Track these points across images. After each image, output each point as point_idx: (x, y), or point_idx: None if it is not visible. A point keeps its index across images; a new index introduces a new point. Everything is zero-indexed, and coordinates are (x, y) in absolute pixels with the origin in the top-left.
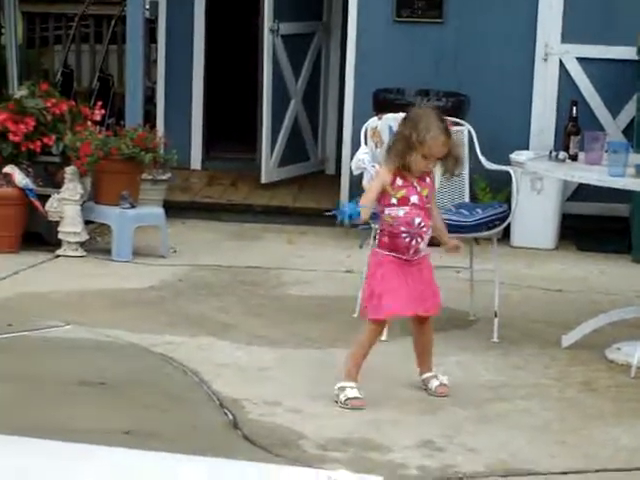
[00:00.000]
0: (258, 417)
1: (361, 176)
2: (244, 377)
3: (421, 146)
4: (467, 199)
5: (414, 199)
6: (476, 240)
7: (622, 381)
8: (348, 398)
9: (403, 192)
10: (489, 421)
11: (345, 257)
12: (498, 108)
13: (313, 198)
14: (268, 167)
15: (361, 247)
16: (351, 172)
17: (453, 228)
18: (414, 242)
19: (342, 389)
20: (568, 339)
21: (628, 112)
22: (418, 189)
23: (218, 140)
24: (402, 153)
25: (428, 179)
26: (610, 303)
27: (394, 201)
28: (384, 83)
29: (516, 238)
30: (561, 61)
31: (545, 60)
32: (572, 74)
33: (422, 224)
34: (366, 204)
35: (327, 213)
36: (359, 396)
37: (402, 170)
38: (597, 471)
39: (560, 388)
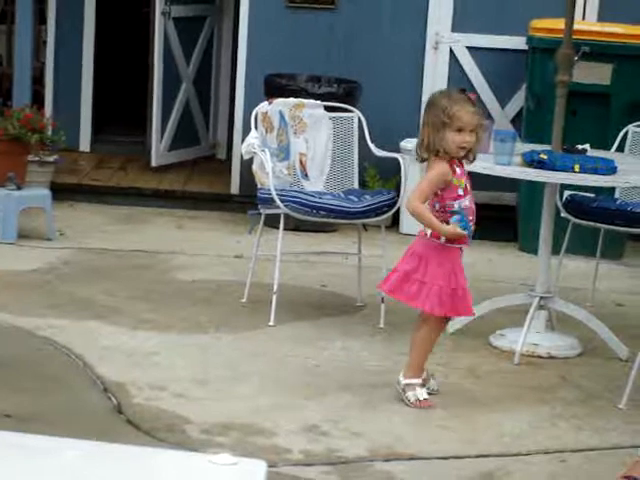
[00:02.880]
0: (143, 401)
1: (251, 161)
2: (129, 361)
3: (451, 120)
4: (356, 185)
5: (468, 186)
6: (364, 226)
7: (506, 367)
8: (418, 399)
9: (463, 180)
10: (374, 406)
11: (234, 242)
12: (389, 96)
13: (203, 182)
14: (158, 151)
15: (250, 233)
16: (242, 157)
17: (341, 214)
18: (473, 229)
19: (411, 387)
20: (453, 325)
21: (517, 102)
22: (466, 177)
23: (108, 123)
24: (436, 137)
25: (464, 166)
26: (496, 290)
27: (460, 192)
28: (276, 68)
29: (405, 225)
30: (451, 50)
31: (435, 49)
32: (462, 63)
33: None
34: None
35: (250, 212)
36: (427, 397)
37: (446, 156)
38: (477, 456)
39: (444, 374)
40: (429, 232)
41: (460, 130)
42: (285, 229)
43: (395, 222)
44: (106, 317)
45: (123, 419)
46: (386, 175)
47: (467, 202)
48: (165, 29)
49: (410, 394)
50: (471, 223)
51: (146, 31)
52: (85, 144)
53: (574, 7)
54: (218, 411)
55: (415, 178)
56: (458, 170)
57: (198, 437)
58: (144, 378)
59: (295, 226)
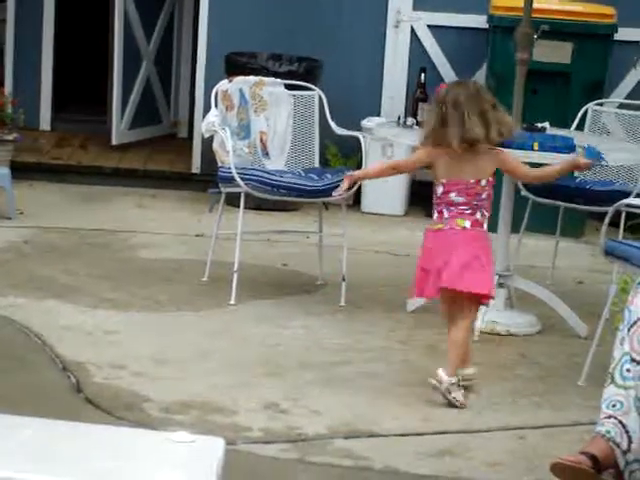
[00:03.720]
0: (102, 380)
1: (212, 139)
2: (89, 340)
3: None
4: (317, 164)
5: None
6: (325, 205)
7: None
8: (457, 400)
9: None
10: (334, 384)
11: (195, 221)
12: (351, 74)
13: (164, 161)
14: (119, 129)
15: (210, 211)
16: (203, 135)
17: (302, 192)
18: None
19: (454, 388)
20: (413, 303)
21: (478, 80)
22: None
23: (68, 101)
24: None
25: None
26: None
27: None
28: (237, 46)
29: (366, 204)
30: (412, 28)
31: (397, 27)
32: (423, 41)
33: None
34: None
35: (211, 191)
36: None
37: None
38: (436, 433)
39: (405, 351)
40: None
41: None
42: (247, 208)
43: (357, 201)
44: (66, 296)
45: (82, 398)
46: (347, 153)
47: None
48: (125, 8)
49: (458, 394)
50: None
51: (107, 10)
52: (45, 123)
53: None
54: (178, 389)
55: (377, 156)
56: None
57: (157, 415)
58: (104, 357)
59: (257, 205)
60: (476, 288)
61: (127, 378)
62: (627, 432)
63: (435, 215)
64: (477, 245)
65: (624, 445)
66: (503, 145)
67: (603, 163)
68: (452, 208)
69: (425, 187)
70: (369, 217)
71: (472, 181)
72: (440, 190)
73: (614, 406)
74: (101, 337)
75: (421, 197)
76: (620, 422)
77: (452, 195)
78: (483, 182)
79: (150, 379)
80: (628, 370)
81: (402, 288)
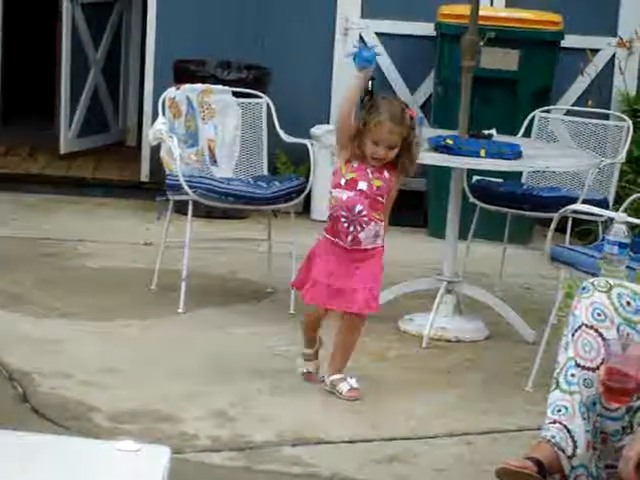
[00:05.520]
0: (48, 390)
1: (159, 147)
2: (35, 350)
3: (367, 130)
4: (265, 172)
5: (362, 185)
6: (274, 213)
7: (414, 351)
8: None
9: (353, 175)
10: (283, 392)
11: (144, 230)
12: (300, 82)
13: (113, 169)
14: (67, 138)
15: (158, 219)
16: (150, 143)
17: (250, 200)
18: (351, 228)
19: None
20: None
21: (426, 87)
22: (370, 177)
23: (15, 110)
24: (355, 135)
25: (387, 173)
26: (405, 276)
27: (342, 182)
28: (186, 54)
29: (316, 212)
30: (361, 36)
31: (345, 35)
32: None
33: (363, 213)
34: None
35: (158, 198)
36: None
37: (358, 154)
38: (384, 439)
39: (353, 358)
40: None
41: (376, 144)
42: (197, 216)
43: (306, 209)
44: (12, 305)
45: (28, 407)
46: (297, 161)
47: (344, 196)
48: (73, 15)
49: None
50: (344, 216)
51: (54, 18)
52: None
53: None
54: (125, 399)
55: (327, 164)
56: (355, 164)
57: (104, 425)
58: (50, 366)
59: (207, 213)
60: None
61: (74, 387)
62: (572, 437)
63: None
64: None
65: (569, 450)
66: (451, 151)
67: (547, 169)
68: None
69: None
70: (319, 224)
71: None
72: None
73: (559, 411)
74: (48, 346)
75: None
76: (565, 427)
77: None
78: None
79: (97, 388)
80: (573, 375)
81: None
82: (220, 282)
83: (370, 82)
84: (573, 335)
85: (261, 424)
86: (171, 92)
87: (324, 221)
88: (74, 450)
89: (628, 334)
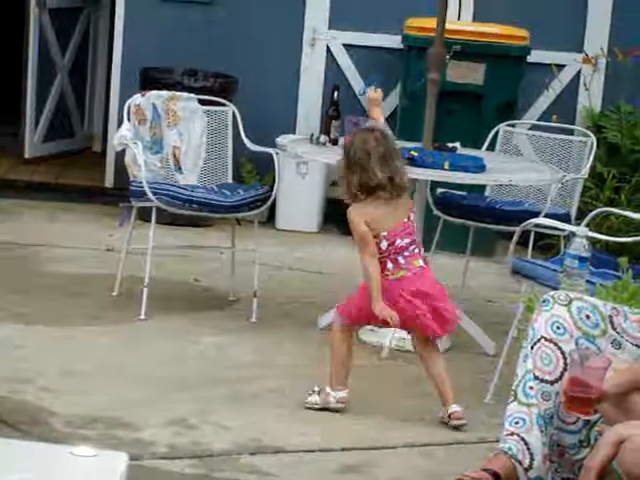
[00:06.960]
0: (7, 394)
1: (124, 152)
2: None
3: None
4: (230, 180)
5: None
6: (238, 221)
7: (374, 362)
8: (317, 403)
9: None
10: (242, 400)
11: (107, 236)
12: (266, 91)
13: (77, 175)
14: (32, 142)
15: (121, 225)
16: (115, 149)
17: (214, 208)
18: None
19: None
20: (324, 320)
21: (392, 99)
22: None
23: None
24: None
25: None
26: None
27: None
28: (153, 61)
29: (280, 221)
30: (328, 47)
31: (312, 45)
32: (338, 60)
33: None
34: None
35: (122, 204)
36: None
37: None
38: (343, 449)
39: (314, 368)
40: None
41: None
42: (161, 223)
43: (271, 217)
44: None
45: None
46: (263, 170)
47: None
48: (40, 20)
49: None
50: None
51: (22, 22)
52: None
53: (446, 6)
54: (84, 404)
55: (292, 174)
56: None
57: (62, 430)
58: (9, 371)
59: (171, 220)
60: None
61: (33, 392)
62: (529, 449)
63: (390, 265)
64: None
65: (526, 462)
66: (415, 163)
67: (510, 183)
68: (404, 253)
69: (340, 204)
70: (283, 233)
71: (405, 220)
72: (385, 244)
73: (517, 423)
74: (7, 351)
75: (335, 214)
76: (522, 439)
77: (398, 242)
78: (412, 216)
79: (56, 393)
80: (531, 387)
81: (314, 305)
82: (183, 289)
83: (335, 92)
84: (532, 348)
85: (220, 432)
86: (136, 98)
87: (289, 230)
88: (29, 455)
89: (587, 348)
